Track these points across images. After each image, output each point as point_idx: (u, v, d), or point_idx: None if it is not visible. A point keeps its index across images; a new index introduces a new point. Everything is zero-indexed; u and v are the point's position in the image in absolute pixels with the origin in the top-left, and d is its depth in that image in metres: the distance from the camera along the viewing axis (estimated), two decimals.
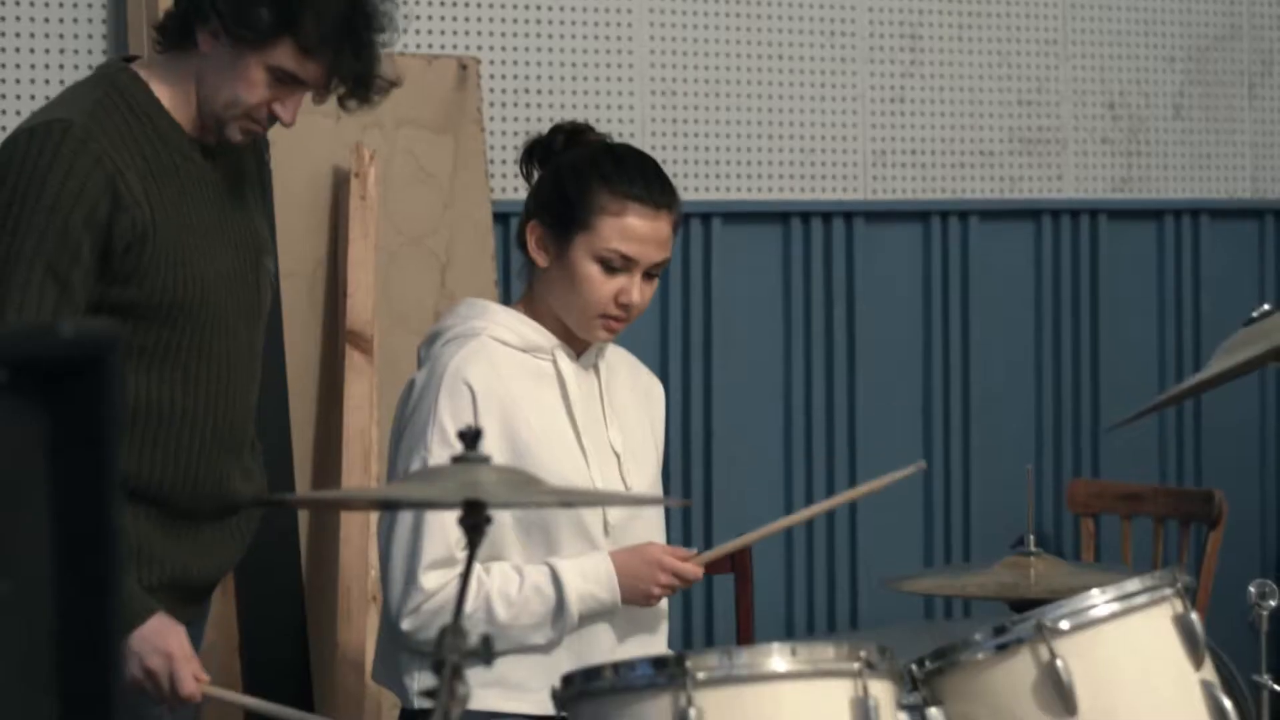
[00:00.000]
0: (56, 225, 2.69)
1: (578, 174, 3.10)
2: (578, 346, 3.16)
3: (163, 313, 2.80)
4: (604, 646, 3.09)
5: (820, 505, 3.38)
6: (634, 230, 3.08)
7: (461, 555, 2.95)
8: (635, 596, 3.08)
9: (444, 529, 2.99)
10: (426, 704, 2.98)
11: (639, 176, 3.10)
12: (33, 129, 2.75)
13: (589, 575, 3.05)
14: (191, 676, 2.80)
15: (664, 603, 3.19)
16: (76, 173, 2.70)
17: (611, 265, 3.08)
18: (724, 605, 4.68)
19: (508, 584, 3.03)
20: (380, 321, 4.12)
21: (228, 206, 2.92)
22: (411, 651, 3.06)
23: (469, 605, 3.00)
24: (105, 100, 2.79)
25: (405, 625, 3.02)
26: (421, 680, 3.05)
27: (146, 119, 2.81)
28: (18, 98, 4.01)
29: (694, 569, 3.10)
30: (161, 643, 2.78)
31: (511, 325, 3.12)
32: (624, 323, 3.11)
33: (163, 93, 2.84)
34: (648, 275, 3.11)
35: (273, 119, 2.84)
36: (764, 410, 4.83)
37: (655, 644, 3.17)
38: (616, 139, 3.26)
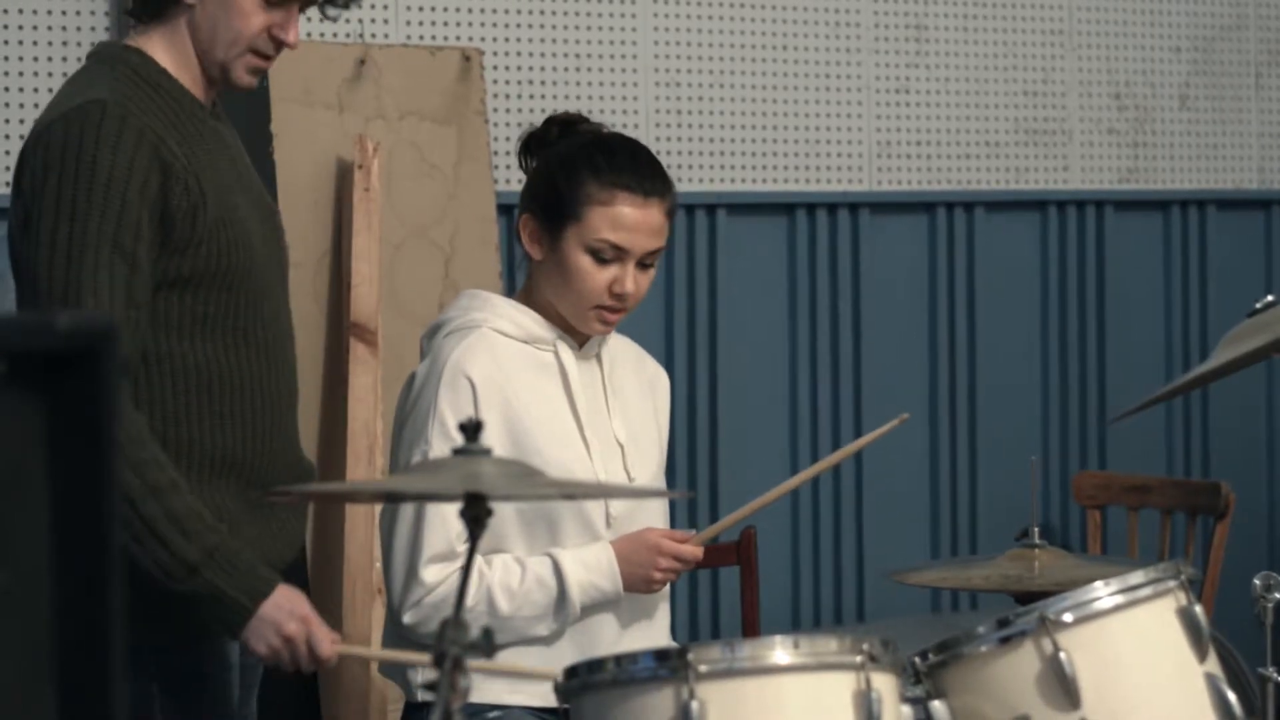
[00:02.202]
0: (115, 203, 2.67)
1: (566, 165, 3.09)
2: (579, 338, 3.15)
3: (219, 278, 2.78)
4: (607, 638, 3.08)
5: (808, 471, 3.37)
6: (624, 219, 3.06)
7: (463, 548, 2.95)
8: (637, 583, 3.08)
9: (445, 522, 2.98)
10: (430, 697, 2.98)
11: (628, 165, 3.09)
12: (65, 115, 2.72)
13: (590, 565, 3.05)
14: (328, 638, 2.76)
15: (666, 593, 3.19)
16: (124, 148, 2.69)
17: (603, 256, 3.06)
18: (729, 597, 4.67)
19: (509, 576, 3.03)
20: (384, 313, 4.11)
21: (242, 167, 2.93)
22: (414, 645, 3.05)
23: (470, 598, 3.00)
24: (123, 77, 2.78)
25: (407, 619, 3.02)
26: (425, 673, 3.04)
27: (163, 89, 2.80)
28: (19, 87, 4.00)
29: (693, 550, 3.10)
30: (295, 607, 2.73)
31: (513, 317, 3.11)
32: (620, 314, 3.10)
33: (165, 61, 2.83)
34: (642, 265, 3.09)
35: (278, 46, 2.84)
36: (769, 401, 4.83)
37: (658, 635, 3.17)
38: (620, 130, 3.26)
